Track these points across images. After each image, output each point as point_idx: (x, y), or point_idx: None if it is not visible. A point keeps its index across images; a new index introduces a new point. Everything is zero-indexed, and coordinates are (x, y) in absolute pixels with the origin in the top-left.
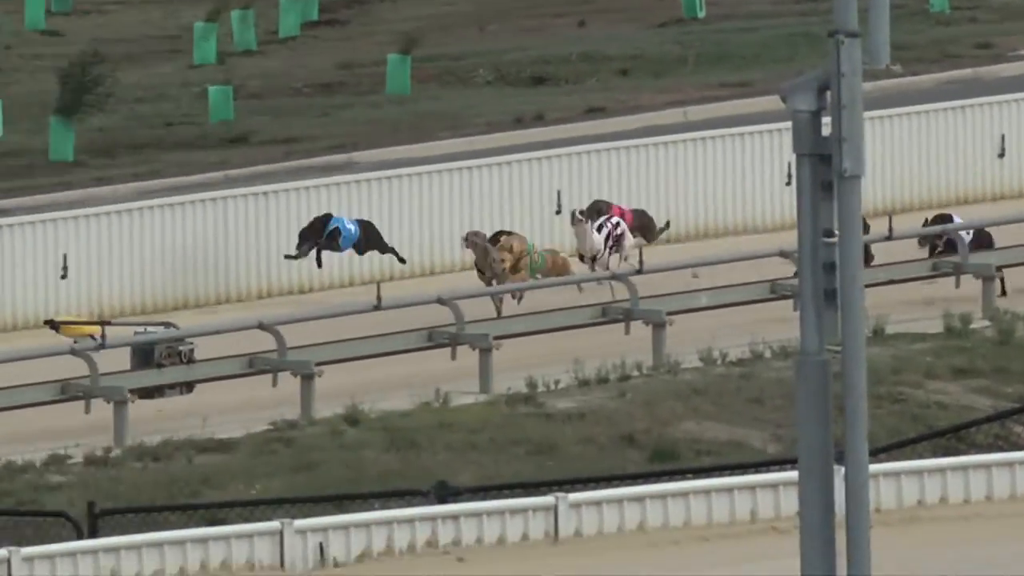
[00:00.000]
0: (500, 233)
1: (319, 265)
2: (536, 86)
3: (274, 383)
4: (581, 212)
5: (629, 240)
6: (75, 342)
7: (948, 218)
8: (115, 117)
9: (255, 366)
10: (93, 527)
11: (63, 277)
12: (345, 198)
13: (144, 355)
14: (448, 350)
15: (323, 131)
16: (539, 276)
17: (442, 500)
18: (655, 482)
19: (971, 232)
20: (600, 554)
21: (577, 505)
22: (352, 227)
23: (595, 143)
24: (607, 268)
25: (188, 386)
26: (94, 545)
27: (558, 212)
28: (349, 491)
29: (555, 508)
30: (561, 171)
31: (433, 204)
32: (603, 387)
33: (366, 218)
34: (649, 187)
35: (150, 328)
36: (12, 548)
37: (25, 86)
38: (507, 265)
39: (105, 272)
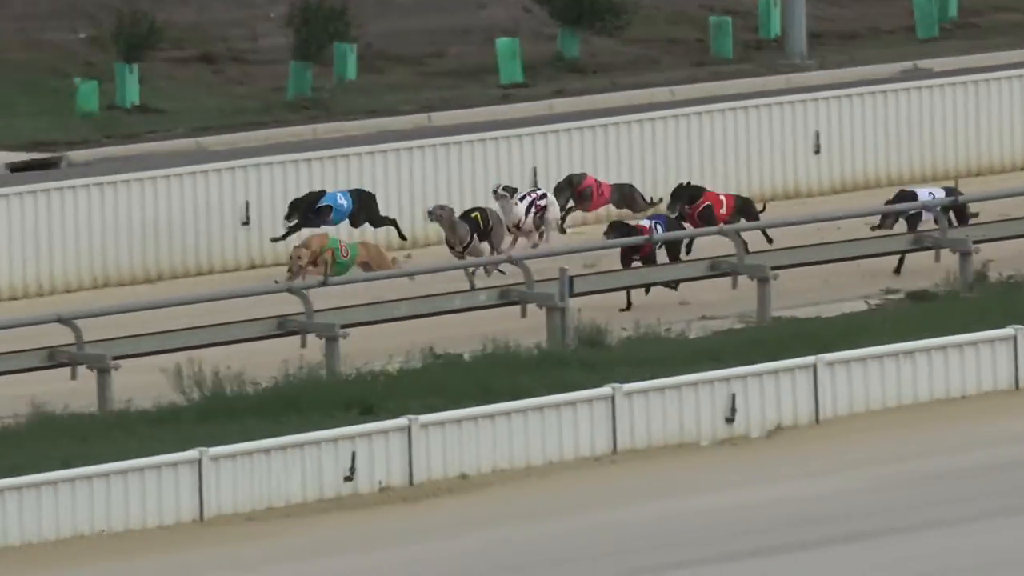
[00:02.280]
0: (473, 210)
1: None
2: None
3: None
4: (504, 188)
5: (554, 213)
6: None
7: (912, 195)
8: None
9: None
10: None
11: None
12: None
13: None
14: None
15: None
16: (360, 267)
17: None
18: None
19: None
20: None
21: None
22: (345, 201)
23: None
24: (529, 237)
25: None
26: None
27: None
28: None
29: None
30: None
31: None
32: None
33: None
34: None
35: None
36: None
37: None
38: (303, 262)
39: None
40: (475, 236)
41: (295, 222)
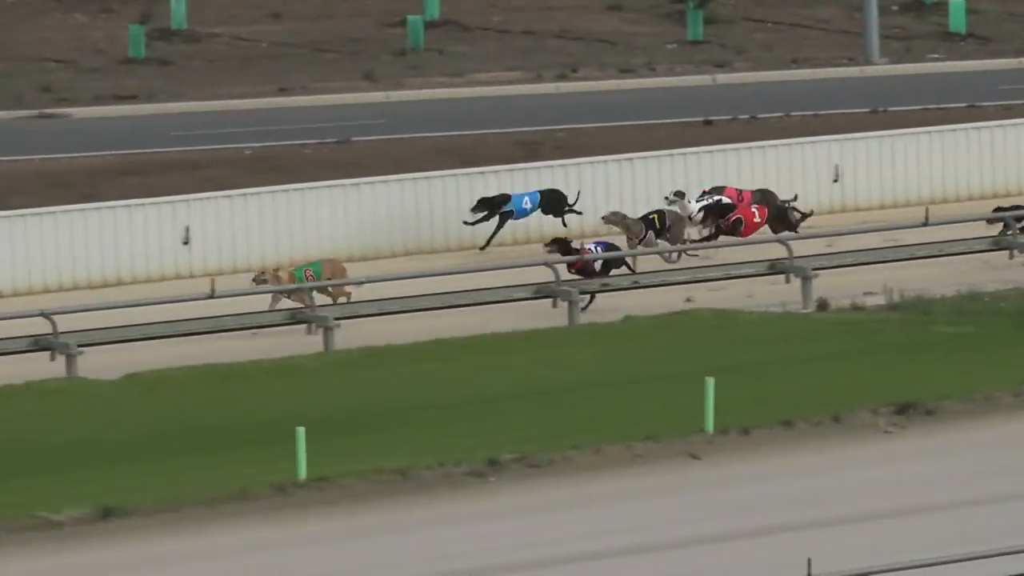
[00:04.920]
0: (652, 212)
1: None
2: None
3: None
4: (675, 193)
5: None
6: None
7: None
8: None
9: None
10: None
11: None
12: None
13: None
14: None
15: None
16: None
17: None
18: None
19: None
20: None
21: None
22: (530, 204)
23: None
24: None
25: None
26: None
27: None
28: None
29: None
30: None
31: None
32: None
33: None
34: None
35: None
36: None
37: None
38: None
39: None
40: (649, 232)
41: (484, 214)
